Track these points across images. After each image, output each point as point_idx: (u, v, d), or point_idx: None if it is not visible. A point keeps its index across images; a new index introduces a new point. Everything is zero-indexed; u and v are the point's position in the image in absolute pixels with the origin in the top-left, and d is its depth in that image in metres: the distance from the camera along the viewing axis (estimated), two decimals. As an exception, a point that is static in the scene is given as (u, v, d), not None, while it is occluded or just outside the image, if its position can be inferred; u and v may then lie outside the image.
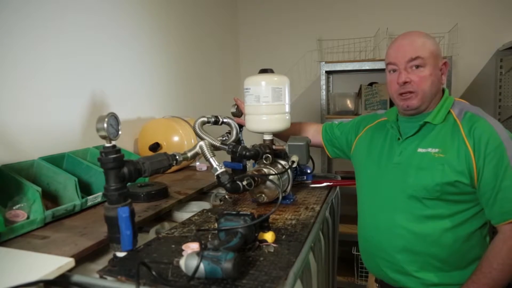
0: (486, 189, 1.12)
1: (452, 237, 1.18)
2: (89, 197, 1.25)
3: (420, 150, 1.21)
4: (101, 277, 0.84)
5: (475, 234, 1.19)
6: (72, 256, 0.87)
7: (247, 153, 1.31)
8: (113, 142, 0.91)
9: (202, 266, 0.76)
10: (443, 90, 1.27)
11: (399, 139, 1.28)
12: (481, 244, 1.18)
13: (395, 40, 1.25)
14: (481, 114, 1.18)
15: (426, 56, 1.18)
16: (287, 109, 1.43)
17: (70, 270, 0.82)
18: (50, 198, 1.25)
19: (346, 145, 1.53)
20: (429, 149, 1.19)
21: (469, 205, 1.17)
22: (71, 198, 1.22)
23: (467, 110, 1.20)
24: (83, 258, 0.93)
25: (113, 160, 0.89)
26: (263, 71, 1.41)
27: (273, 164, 1.36)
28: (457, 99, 1.27)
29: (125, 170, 0.92)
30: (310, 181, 1.65)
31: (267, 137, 1.43)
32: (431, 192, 1.17)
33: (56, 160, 1.36)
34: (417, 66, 1.19)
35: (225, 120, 1.52)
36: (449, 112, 1.22)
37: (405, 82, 1.21)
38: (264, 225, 0.99)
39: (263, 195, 1.31)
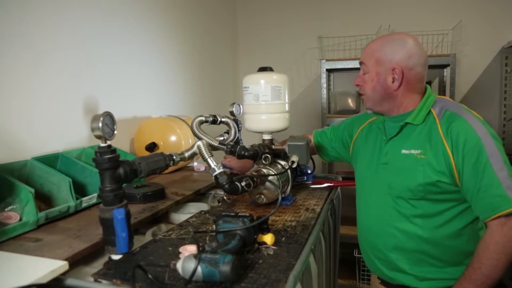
0: (468, 188, 1.14)
1: (442, 234, 1.20)
2: (84, 199, 1.25)
3: (404, 151, 1.24)
4: (95, 280, 0.84)
5: (467, 230, 1.20)
6: (66, 259, 0.87)
7: (246, 153, 1.31)
8: (109, 142, 0.91)
9: (199, 269, 0.76)
10: (426, 88, 1.28)
11: (384, 139, 1.31)
12: (475, 239, 1.19)
13: None
14: (460, 112, 1.18)
15: (369, 63, 1.25)
16: (286, 108, 1.43)
17: (64, 274, 0.82)
18: (43, 199, 1.25)
19: (342, 148, 1.54)
20: (412, 151, 1.21)
21: (455, 203, 1.19)
22: (65, 199, 1.21)
23: (446, 109, 1.21)
24: (77, 261, 0.93)
25: (108, 161, 0.89)
26: (262, 69, 1.41)
27: (272, 164, 1.36)
28: (439, 96, 1.28)
29: (121, 170, 0.92)
30: (310, 182, 1.65)
31: (266, 136, 1.43)
32: (414, 192, 1.20)
33: (49, 160, 1.36)
34: (364, 71, 1.28)
35: (223, 119, 1.52)
36: (429, 111, 1.23)
37: (356, 85, 1.32)
38: (264, 227, 0.99)
39: (262, 196, 1.31)
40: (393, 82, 1.22)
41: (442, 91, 2.96)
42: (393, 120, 1.29)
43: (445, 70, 2.98)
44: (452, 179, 1.15)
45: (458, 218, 1.20)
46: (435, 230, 1.20)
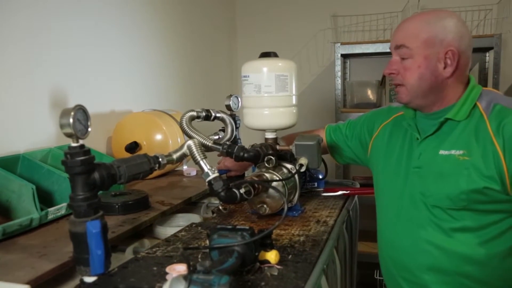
0: None
1: (489, 253, 1.19)
2: (50, 209, 1.24)
3: (442, 152, 1.22)
4: (66, 306, 0.84)
5: None
6: (27, 283, 0.86)
7: (245, 155, 1.31)
8: (81, 141, 0.90)
9: (190, 292, 0.76)
10: (469, 78, 1.27)
11: (417, 138, 1.29)
12: None
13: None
14: None
15: (413, 46, 1.21)
16: (294, 101, 1.43)
17: (26, 300, 0.82)
18: (0, 210, 1.24)
19: (360, 148, 1.53)
20: (452, 151, 1.20)
21: (505, 214, 1.18)
22: (27, 210, 1.21)
23: (496, 102, 1.20)
24: (42, 285, 0.93)
25: (81, 163, 0.89)
26: (265, 54, 1.41)
27: (277, 168, 1.36)
28: (486, 88, 1.27)
29: (96, 175, 0.92)
30: (322, 189, 1.65)
31: (270, 135, 1.43)
32: (455, 201, 1.18)
33: (8, 163, 1.35)
34: (403, 57, 1.24)
35: (218, 114, 1.52)
36: (475, 105, 1.22)
37: (389, 74, 1.27)
38: (266, 243, 0.99)
39: (265, 206, 1.31)
40: (445, 68, 1.21)
41: (483, 80, 2.95)
42: (429, 117, 1.28)
43: (487, 55, 2.96)
44: (502, 186, 1.13)
45: (507, 234, 1.18)
46: (480, 247, 1.18)
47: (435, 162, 1.23)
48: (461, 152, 1.18)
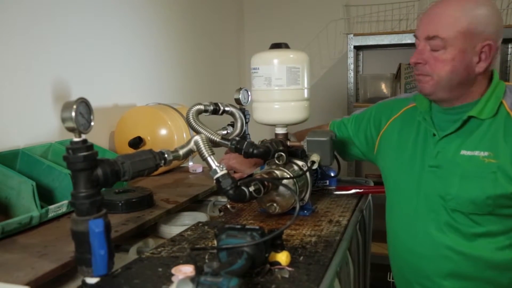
0: None
1: (509, 257, 1.18)
2: (51, 207, 1.25)
3: (464, 152, 1.20)
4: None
5: None
6: (27, 284, 0.86)
7: (255, 151, 1.30)
8: (84, 136, 0.90)
9: (197, 296, 0.75)
10: (492, 73, 1.24)
11: (434, 135, 1.27)
12: None
13: (429, 7, 1.24)
14: None
15: (448, 37, 1.15)
16: (306, 95, 1.42)
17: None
18: (-1, 208, 1.25)
19: (366, 144, 1.51)
20: (476, 152, 1.18)
21: None
22: (26, 208, 1.21)
23: None
24: (42, 286, 0.93)
25: (83, 159, 0.88)
26: (276, 46, 1.40)
27: (287, 165, 1.35)
28: (509, 83, 1.24)
29: (99, 171, 0.91)
30: (334, 187, 1.64)
31: (280, 130, 1.43)
32: (481, 207, 1.16)
33: (7, 159, 1.36)
34: (435, 47, 1.18)
35: (226, 108, 1.51)
36: (500, 103, 1.20)
37: (416, 63, 1.22)
38: (277, 243, 0.98)
39: (275, 205, 1.31)
40: (478, 62, 1.16)
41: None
42: (448, 112, 1.25)
43: (509, 46, 2.93)
44: None
45: None
46: (503, 251, 1.17)
47: (456, 162, 1.20)
48: (486, 153, 1.16)
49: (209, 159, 1.16)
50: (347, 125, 1.57)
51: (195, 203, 1.58)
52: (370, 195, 1.66)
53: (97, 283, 0.91)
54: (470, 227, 1.19)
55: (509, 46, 2.93)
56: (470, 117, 1.20)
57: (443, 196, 1.22)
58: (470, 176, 1.17)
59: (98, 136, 1.86)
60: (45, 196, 1.33)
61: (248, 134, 1.64)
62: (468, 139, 1.21)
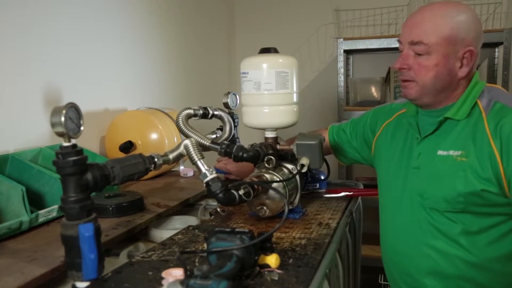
0: None
1: (491, 257, 1.19)
2: (41, 212, 1.24)
3: (440, 152, 1.23)
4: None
5: None
6: (17, 288, 0.86)
7: (244, 155, 1.30)
8: (73, 141, 0.90)
9: (187, 298, 0.76)
10: (473, 74, 1.26)
11: (417, 138, 1.30)
12: None
13: (412, 13, 1.26)
14: None
15: (432, 43, 1.17)
16: (295, 99, 1.43)
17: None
18: (-11, 213, 1.25)
19: (365, 148, 1.54)
20: (451, 152, 1.20)
21: (505, 217, 1.19)
22: (16, 213, 1.21)
23: (497, 100, 1.20)
24: (32, 291, 0.93)
25: (73, 164, 0.88)
26: (265, 50, 1.41)
27: (277, 168, 1.36)
28: (489, 85, 1.26)
29: (89, 176, 0.91)
30: (324, 190, 1.65)
31: (270, 134, 1.43)
32: (452, 204, 1.19)
33: (-4, 164, 1.36)
34: (419, 53, 1.20)
35: (216, 112, 1.52)
36: (475, 103, 1.22)
37: (400, 69, 1.24)
38: (266, 246, 0.99)
39: (265, 208, 1.31)
40: (460, 67, 1.19)
41: (491, 77, 2.95)
42: (430, 115, 1.28)
43: (496, 50, 2.96)
44: (500, 189, 1.14)
45: (510, 237, 1.19)
46: (481, 251, 1.19)
47: (433, 162, 1.23)
48: (459, 152, 1.19)
49: (198, 163, 1.16)
50: (346, 130, 1.59)
51: (186, 207, 1.58)
52: (360, 197, 1.67)
53: (87, 287, 0.91)
54: (447, 225, 1.21)
55: (496, 50, 2.96)
56: (446, 118, 1.23)
57: (422, 195, 1.25)
58: (444, 174, 1.20)
59: (89, 141, 1.86)
60: (35, 201, 1.32)
61: (238, 138, 1.64)
62: (445, 140, 1.23)
